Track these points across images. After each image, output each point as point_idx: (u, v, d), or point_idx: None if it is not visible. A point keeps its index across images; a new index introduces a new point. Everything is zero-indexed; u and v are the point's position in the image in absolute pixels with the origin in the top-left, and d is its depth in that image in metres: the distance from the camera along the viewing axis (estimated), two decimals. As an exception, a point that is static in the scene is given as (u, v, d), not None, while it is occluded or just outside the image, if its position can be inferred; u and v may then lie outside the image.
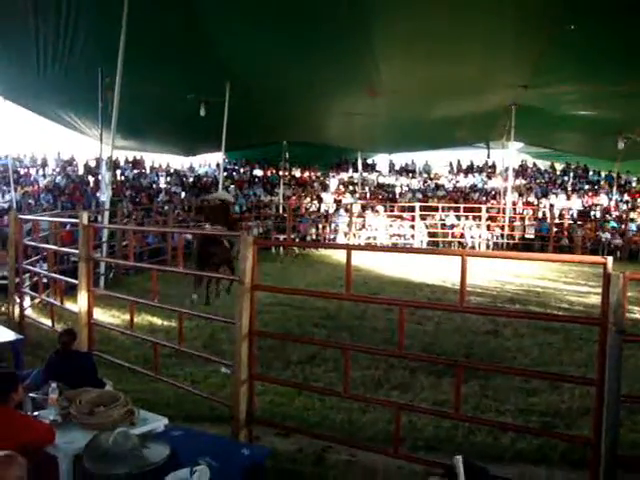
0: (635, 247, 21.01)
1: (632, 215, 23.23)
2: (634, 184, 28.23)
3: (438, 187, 28.69)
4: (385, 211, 23.65)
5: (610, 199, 26.04)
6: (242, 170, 29.29)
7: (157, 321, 9.12)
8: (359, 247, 16.86)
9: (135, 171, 27.10)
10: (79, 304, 6.55)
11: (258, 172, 29.24)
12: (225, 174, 25.34)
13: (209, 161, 29.53)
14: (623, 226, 22.15)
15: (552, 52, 15.28)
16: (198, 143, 24.88)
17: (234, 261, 10.32)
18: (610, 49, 14.95)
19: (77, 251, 6.81)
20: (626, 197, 26.27)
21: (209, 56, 15.51)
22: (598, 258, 4.28)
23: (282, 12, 13.55)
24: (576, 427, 5.34)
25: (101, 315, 8.76)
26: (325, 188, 27.94)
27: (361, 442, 4.98)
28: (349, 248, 5.56)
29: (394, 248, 18.69)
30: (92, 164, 25.36)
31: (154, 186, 25.57)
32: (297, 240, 21.00)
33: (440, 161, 32.46)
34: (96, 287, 9.88)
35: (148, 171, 27.64)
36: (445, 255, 14.97)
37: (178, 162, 29.43)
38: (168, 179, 26.87)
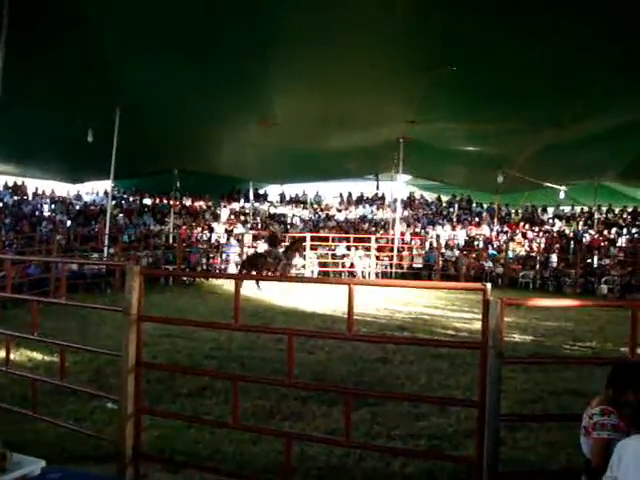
0: (515, 275, 22.17)
1: (511, 245, 24.52)
2: (513, 216, 29.92)
3: (329, 218, 29.14)
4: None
5: (491, 230, 27.41)
6: (132, 198, 28.54)
7: (37, 356, 8.63)
8: (248, 277, 16.77)
9: (16, 197, 25.79)
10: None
11: (148, 201, 28.58)
12: (114, 202, 24.62)
13: (97, 189, 28.60)
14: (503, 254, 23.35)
15: (437, 90, 16.05)
16: (85, 170, 24.05)
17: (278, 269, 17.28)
18: (490, 90, 15.90)
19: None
20: (505, 228, 27.73)
21: (99, 79, 14.96)
22: (478, 285, 4.47)
23: (178, 38, 13.39)
24: (462, 448, 5.51)
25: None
26: (216, 218, 27.69)
27: (252, 474, 4.90)
28: (237, 278, 5.53)
29: (282, 277, 18.70)
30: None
31: (37, 214, 24.40)
32: (187, 270, 20.63)
33: (331, 192, 33.05)
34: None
35: (31, 197, 26.39)
36: (333, 284, 15.26)
37: (64, 189, 28.30)
38: (53, 206, 25.74)
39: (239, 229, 25.75)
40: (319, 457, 5.32)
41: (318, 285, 16.33)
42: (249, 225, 27.00)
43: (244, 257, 20.41)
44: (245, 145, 21.54)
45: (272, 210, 30.32)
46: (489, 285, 4.21)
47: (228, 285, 17.28)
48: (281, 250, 18.54)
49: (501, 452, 5.13)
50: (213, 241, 24.08)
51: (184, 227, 25.13)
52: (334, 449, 5.38)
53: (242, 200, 30.24)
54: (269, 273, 17.14)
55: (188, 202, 29.14)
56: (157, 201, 28.58)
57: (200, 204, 29.35)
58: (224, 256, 22.61)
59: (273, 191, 32.66)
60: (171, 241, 23.36)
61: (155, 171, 25.18)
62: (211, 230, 25.41)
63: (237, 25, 12.58)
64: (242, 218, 28.06)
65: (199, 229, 25.51)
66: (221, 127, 19.67)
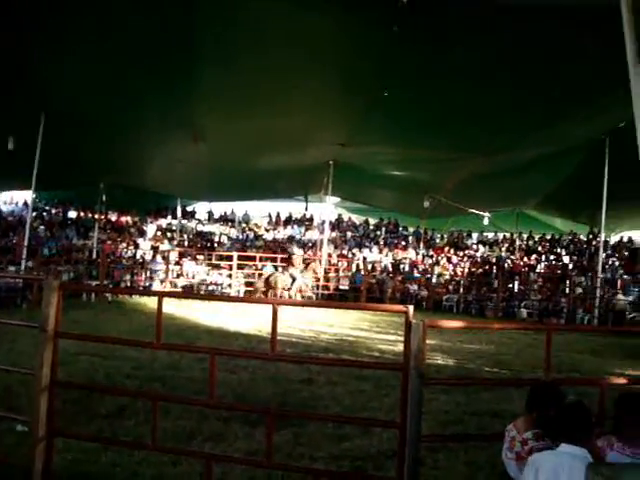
0: (439, 298, 22.62)
1: (436, 269, 25.02)
2: (438, 240, 30.61)
3: (257, 237, 29.04)
4: (203, 259, 23.45)
5: (417, 253, 27.92)
6: (54, 211, 27.64)
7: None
8: (171, 294, 16.43)
9: None
10: None
11: (72, 214, 27.74)
12: (34, 214, 23.73)
13: (17, 199, 27.59)
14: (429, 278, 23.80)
15: (368, 115, 16.32)
16: (4, 179, 22.99)
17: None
18: (420, 117, 16.29)
19: None
20: (431, 252, 28.32)
21: (23, 82, 14.34)
22: (400, 307, 4.54)
23: (105, 49, 13.03)
24: (385, 469, 5.51)
25: None
26: (142, 234, 27.15)
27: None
28: (160, 295, 5.40)
29: (205, 295, 18.60)
30: None
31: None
32: (111, 287, 20.08)
33: (260, 212, 33.03)
34: None
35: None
36: (257, 303, 15.16)
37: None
38: (-34, 217, 24.67)
39: (165, 246, 25.32)
40: (240, 479, 5.22)
41: (244, 305, 16.13)
42: (175, 242, 26.59)
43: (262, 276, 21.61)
44: (174, 161, 21.21)
45: (200, 228, 29.99)
46: (411, 307, 4.27)
47: (152, 303, 16.88)
48: (297, 270, 20.56)
49: (422, 473, 5.18)
50: (138, 257, 23.53)
51: (109, 242, 24.51)
52: (256, 471, 5.29)
53: (169, 217, 29.80)
54: (284, 292, 19.45)
55: (114, 217, 28.50)
56: (82, 214, 27.80)
57: (126, 219, 28.76)
58: (149, 273, 22.12)
59: (201, 209, 32.34)
60: (94, 256, 22.70)
61: (80, 183, 24.35)
62: (136, 246, 24.88)
63: (166, 38, 12.40)
64: (169, 235, 27.63)
65: (124, 245, 24.92)
66: (149, 141, 19.26)
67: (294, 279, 20.03)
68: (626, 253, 25.86)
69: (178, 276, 22.25)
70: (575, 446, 3.07)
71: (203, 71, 13.90)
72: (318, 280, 22.22)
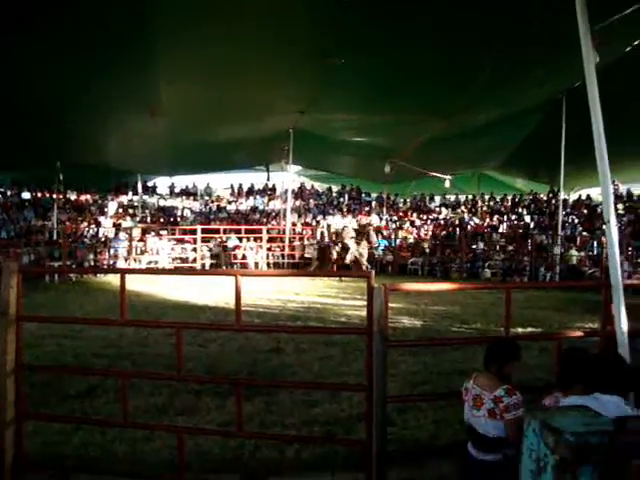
0: (404, 262, 22.86)
1: (400, 233, 25.24)
2: (401, 205, 30.82)
3: (220, 209, 28.87)
4: (167, 234, 23.27)
5: (381, 219, 28.08)
6: (9, 192, 27.02)
7: None
8: (133, 270, 16.28)
9: None
10: None
11: (26, 195, 27.14)
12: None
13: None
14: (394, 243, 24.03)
15: (326, 82, 16.19)
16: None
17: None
18: (377, 82, 16.22)
19: None
20: (394, 217, 28.52)
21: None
22: (362, 272, 4.60)
23: (57, 22, 12.49)
24: (355, 432, 5.63)
25: None
26: (103, 212, 26.77)
27: (146, 472, 4.81)
28: (122, 272, 5.39)
29: (167, 270, 18.40)
30: None
31: None
32: (74, 267, 19.82)
33: (222, 184, 32.81)
34: None
35: None
36: (219, 275, 15.11)
37: None
38: None
39: (127, 223, 25.02)
40: (213, 451, 5.29)
41: (211, 278, 16.11)
42: (138, 219, 26.29)
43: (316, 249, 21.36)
44: (132, 136, 20.79)
45: (162, 203, 29.67)
46: (373, 272, 4.34)
47: (117, 281, 16.70)
48: (351, 240, 19.70)
49: (392, 433, 5.32)
50: (100, 236, 23.22)
51: (69, 222, 24.11)
52: (229, 441, 5.38)
53: (130, 193, 29.39)
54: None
55: (73, 196, 28.00)
56: (39, 195, 27.23)
57: (86, 198, 28.28)
58: (112, 251, 21.85)
59: (162, 183, 31.97)
60: (55, 237, 22.33)
61: (35, 164, 23.71)
62: (98, 225, 24.54)
63: (118, 10, 12.01)
64: (130, 211, 27.29)
65: (85, 224, 24.56)
66: (105, 118, 18.77)
67: (347, 249, 19.42)
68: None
69: (142, 253, 22.04)
70: (612, 395, 3.16)
71: (157, 43, 13.53)
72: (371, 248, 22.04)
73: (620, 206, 25.95)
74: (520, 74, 15.47)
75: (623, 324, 4.44)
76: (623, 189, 27.91)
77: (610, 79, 13.25)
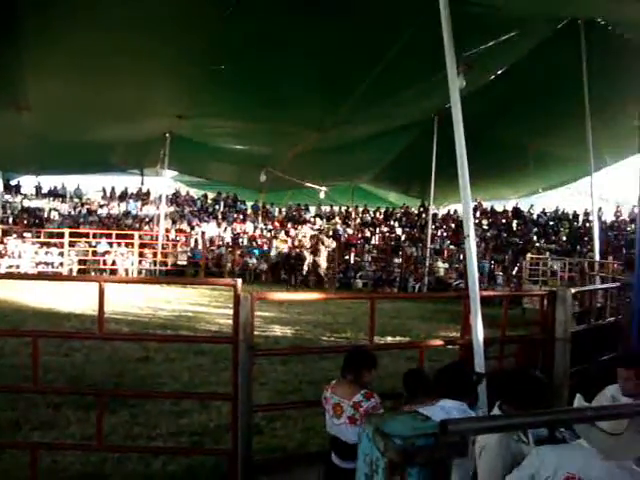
0: (277, 271, 22.93)
1: (274, 242, 25.33)
2: (276, 214, 30.97)
3: (90, 213, 27.73)
4: (31, 237, 22.03)
5: (256, 227, 28.08)
6: None
7: None
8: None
9: None
10: None
11: None
12: None
13: None
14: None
15: (206, 87, 16.06)
16: None
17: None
18: (258, 90, 16.30)
19: None
20: (269, 226, 28.59)
21: None
22: (229, 281, 4.59)
23: None
24: (223, 442, 5.54)
25: None
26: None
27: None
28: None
29: (28, 275, 17.43)
30: None
31: None
32: None
33: (93, 186, 31.53)
34: None
35: None
36: (82, 281, 14.53)
37: None
38: None
39: (-14, 223, 23.47)
40: (73, 467, 5.03)
41: (78, 284, 15.40)
42: (-3, 220, 24.74)
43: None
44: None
45: (26, 203, 28.05)
46: (239, 281, 4.32)
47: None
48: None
49: (260, 442, 5.31)
50: (-46, 237, 21.59)
51: None
52: (90, 456, 5.14)
53: (-10, 191, 27.59)
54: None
55: None
56: None
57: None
58: (-33, 254, 20.41)
59: (27, 182, 30.19)
60: None
61: None
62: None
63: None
64: (-10, 212, 25.63)
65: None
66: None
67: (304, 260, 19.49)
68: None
69: (1, 256, 20.71)
70: (455, 401, 3.31)
71: (22, 33, 12.81)
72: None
73: (485, 221, 27.55)
74: (392, 94, 16.04)
75: (479, 333, 4.68)
76: (487, 205, 29.60)
77: (477, 102, 14.12)
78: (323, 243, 18.90)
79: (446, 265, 22.09)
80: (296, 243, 22.90)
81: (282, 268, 19.37)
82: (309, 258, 19.01)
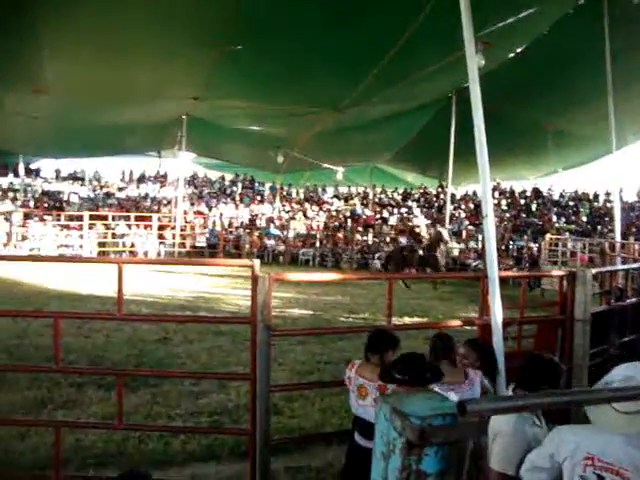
0: (295, 252, 22.99)
1: (292, 223, 25.35)
2: (294, 195, 30.95)
3: (109, 195, 27.92)
4: (52, 220, 22.24)
5: (274, 208, 28.11)
6: None
7: None
8: (6, 257, 15.38)
9: None
10: None
11: None
12: None
13: None
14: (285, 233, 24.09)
15: (222, 68, 15.95)
16: None
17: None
18: (274, 72, 16.17)
19: None
20: (287, 207, 28.60)
21: None
22: (246, 261, 4.59)
23: None
24: (242, 422, 5.60)
25: None
26: (-21, 194, 25.25)
27: (22, 472, 4.57)
28: None
29: (48, 257, 17.53)
30: None
31: None
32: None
33: (112, 169, 31.73)
34: None
35: None
36: (101, 263, 14.64)
37: None
38: None
39: (7, 206, 23.69)
40: (96, 445, 5.11)
41: (99, 266, 15.52)
42: (19, 203, 24.96)
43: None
44: (13, 114, 19.60)
45: (46, 187, 28.28)
46: (257, 261, 4.32)
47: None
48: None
49: (279, 422, 5.35)
50: (-23, 220, 21.86)
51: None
52: (112, 435, 5.21)
53: (11, 175, 27.82)
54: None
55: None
56: None
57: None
58: (-10, 236, 20.67)
59: (47, 166, 30.46)
60: None
61: None
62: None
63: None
64: (11, 195, 25.85)
65: (-40, 207, 23.07)
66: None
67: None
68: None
69: (23, 239, 20.94)
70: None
71: (39, 14, 12.77)
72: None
73: (504, 202, 27.32)
74: (410, 72, 15.85)
75: (498, 314, 4.65)
76: (506, 186, 29.34)
77: (495, 82, 13.93)
78: (442, 239, 17.71)
79: (461, 245, 21.97)
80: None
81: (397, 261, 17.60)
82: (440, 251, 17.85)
